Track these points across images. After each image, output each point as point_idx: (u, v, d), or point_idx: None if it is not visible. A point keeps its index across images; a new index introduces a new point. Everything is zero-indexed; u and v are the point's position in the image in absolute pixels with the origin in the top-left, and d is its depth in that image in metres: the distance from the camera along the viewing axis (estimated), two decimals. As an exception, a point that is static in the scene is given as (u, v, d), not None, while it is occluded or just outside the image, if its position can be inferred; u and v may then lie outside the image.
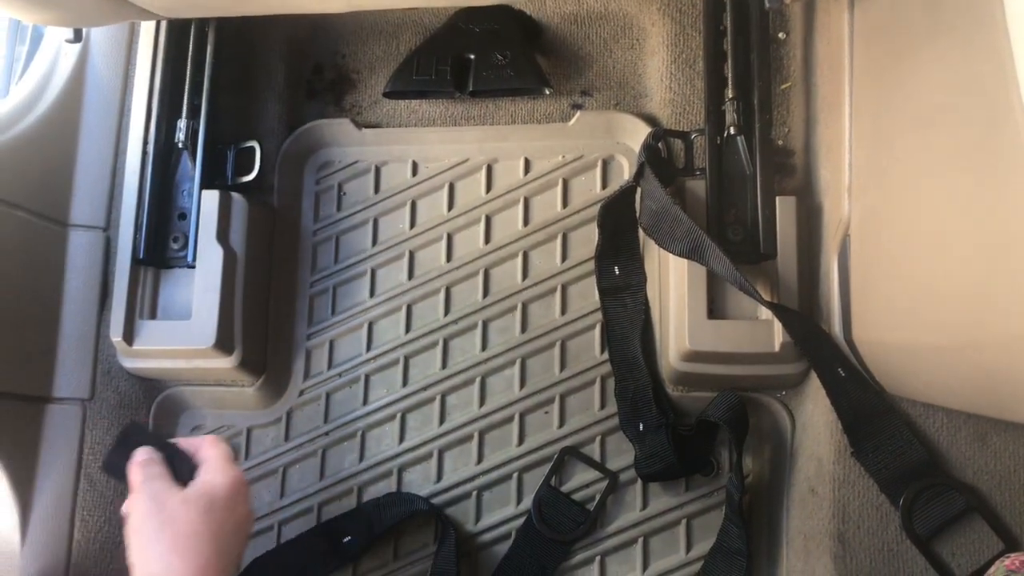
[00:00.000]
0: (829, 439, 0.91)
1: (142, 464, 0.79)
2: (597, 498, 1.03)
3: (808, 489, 0.93)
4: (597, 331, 1.07)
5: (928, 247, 0.73)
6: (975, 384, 0.74)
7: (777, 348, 0.93)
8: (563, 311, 1.08)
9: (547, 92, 1.09)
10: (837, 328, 0.92)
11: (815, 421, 0.94)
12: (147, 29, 1.09)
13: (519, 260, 1.10)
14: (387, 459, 1.08)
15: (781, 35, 1.03)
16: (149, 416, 1.09)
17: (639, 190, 1.00)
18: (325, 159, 1.15)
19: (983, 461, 0.86)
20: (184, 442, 0.83)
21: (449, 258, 1.11)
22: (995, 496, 0.85)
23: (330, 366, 1.10)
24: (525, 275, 1.09)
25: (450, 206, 1.12)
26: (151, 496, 0.75)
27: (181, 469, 0.80)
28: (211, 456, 0.80)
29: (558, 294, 1.08)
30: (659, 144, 1.02)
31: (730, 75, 0.99)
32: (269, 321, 1.11)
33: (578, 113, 1.09)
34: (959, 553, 0.85)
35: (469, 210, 1.11)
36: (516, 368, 1.08)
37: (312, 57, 1.17)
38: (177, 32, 1.08)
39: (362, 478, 1.08)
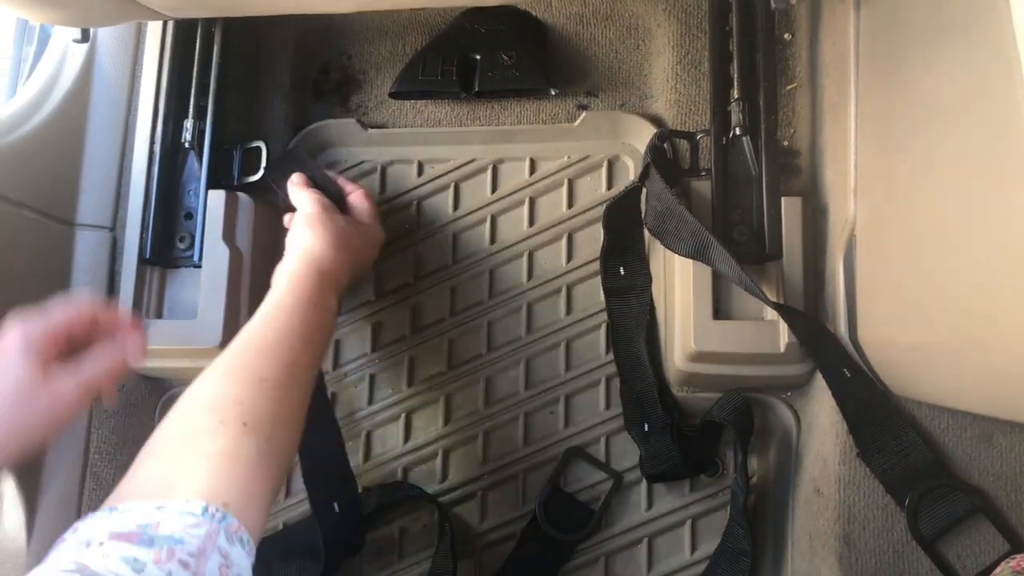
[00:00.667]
0: (835, 440, 0.91)
1: (306, 183, 1.00)
2: (602, 498, 1.03)
3: (813, 490, 0.93)
4: (602, 331, 1.07)
5: (934, 247, 0.73)
6: (981, 384, 0.74)
7: (782, 349, 0.93)
8: (568, 311, 1.08)
9: (553, 93, 1.09)
10: (843, 329, 0.92)
11: (820, 422, 0.94)
12: (154, 29, 1.09)
13: (524, 260, 1.10)
14: (392, 458, 1.08)
15: (787, 36, 1.04)
16: (155, 417, 1.09)
17: (644, 190, 1.00)
18: (331, 159, 1.15)
19: (989, 462, 0.86)
20: (338, 179, 1.05)
21: (454, 258, 1.11)
22: (1001, 497, 0.85)
23: (335, 366, 1.11)
24: (530, 275, 1.09)
25: (455, 206, 1.12)
26: (324, 206, 0.95)
27: (330, 197, 0.99)
28: (365, 208, 1.02)
29: (563, 294, 1.08)
30: (664, 145, 1.02)
31: (736, 76, 0.99)
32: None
33: (584, 114, 1.09)
34: (965, 554, 0.85)
35: (474, 210, 1.11)
36: (521, 368, 1.08)
37: (318, 57, 1.17)
38: (184, 32, 1.08)
39: (367, 477, 1.08)
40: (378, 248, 1.02)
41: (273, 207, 1.10)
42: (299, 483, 1.08)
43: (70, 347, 0.79)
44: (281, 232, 1.10)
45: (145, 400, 1.08)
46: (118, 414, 1.06)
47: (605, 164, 1.10)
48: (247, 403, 0.70)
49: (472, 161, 1.12)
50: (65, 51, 1.10)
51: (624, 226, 1.05)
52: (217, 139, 1.07)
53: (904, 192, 0.79)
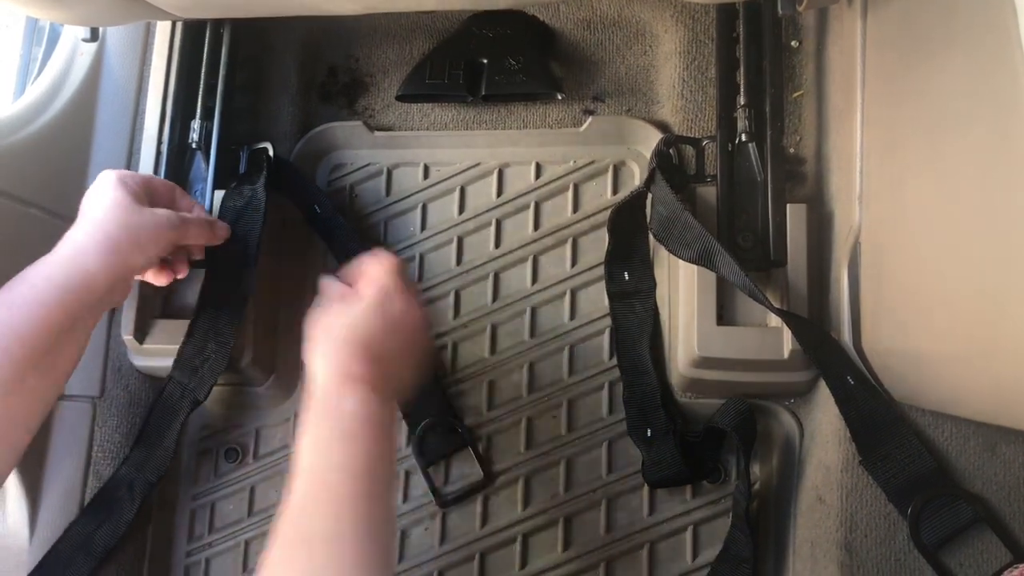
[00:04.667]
0: (837, 447, 0.91)
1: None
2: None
3: (816, 497, 0.93)
4: (606, 336, 1.07)
5: (939, 255, 0.73)
6: (986, 393, 0.73)
7: (786, 355, 0.93)
8: (572, 316, 1.08)
9: (559, 97, 1.09)
10: (847, 336, 0.92)
11: (823, 429, 0.94)
12: (163, 29, 1.09)
13: (529, 264, 1.10)
14: (394, 461, 1.08)
15: (794, 43, 1.04)
16: None
17: (650, 196, 1.00)
18: (337, 161, 1.15)
19: (992, 471, 0.86)
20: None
21: (459, 261, 1.11)
22: (1004, 507, 0.85)
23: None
24: (535, 279, 1.09)
25: (461, 210, 1.12)
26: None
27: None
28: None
29: (567, 299, 1.08)
30: (670, 150, 1.02)
31: (742, 82, 0.99)
32: (279, 321, 1.11)
33: (590, 118, 1.09)
34: (967, 564, 0.85)
35: (480, 214, 1.12)
36: (524, 372, 1.08)
37: (326, 60, 1.18)
38: (192, 32, 1.08)
39: (369, 480, 1.08)
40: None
41: (278, 208, 1.10)
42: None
43: (151, 203, 0.87)
44: (285, 233, 1.11)
45: (149, 399, 1.08)
46: (122, 413, 1.06)
47: (611, 169, 1.10)
48: None
49: (478, 165, 1.12)
50: (74, 50, 1.10)
51: (629, 231, 1.05)
52: (224, 140, 1.07)
53: (910, 200, 0.79)
